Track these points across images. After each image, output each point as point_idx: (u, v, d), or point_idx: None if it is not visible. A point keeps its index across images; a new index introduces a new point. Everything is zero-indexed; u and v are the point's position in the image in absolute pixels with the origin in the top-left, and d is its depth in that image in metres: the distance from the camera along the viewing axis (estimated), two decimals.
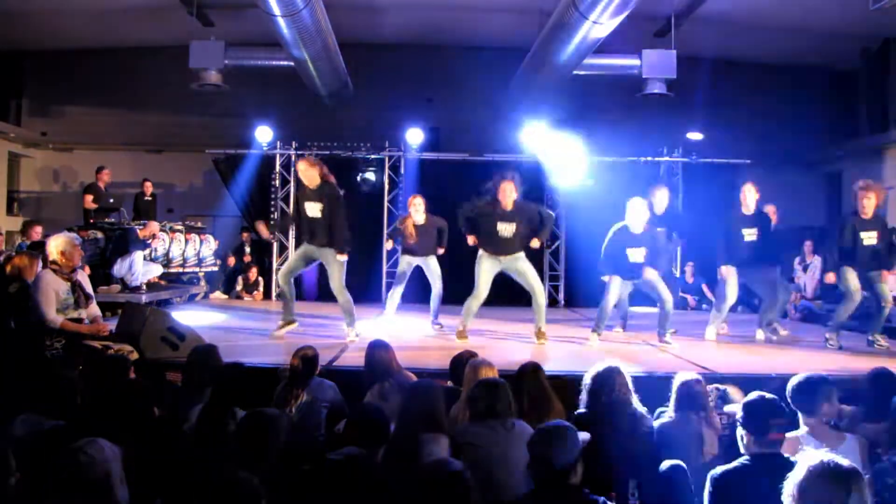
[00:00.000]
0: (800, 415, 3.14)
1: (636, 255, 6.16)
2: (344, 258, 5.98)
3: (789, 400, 3.16)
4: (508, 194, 6.21)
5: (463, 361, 3.82)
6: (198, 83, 9.93)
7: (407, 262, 7.35)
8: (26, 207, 12.41)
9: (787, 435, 2.95)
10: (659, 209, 6.85)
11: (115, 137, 12.18)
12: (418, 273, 7.49)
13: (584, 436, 2.88)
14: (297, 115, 11.23)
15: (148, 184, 10.73)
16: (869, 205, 6.11)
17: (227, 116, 11.35)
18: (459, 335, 6.27)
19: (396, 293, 7.52)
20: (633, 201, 6.20)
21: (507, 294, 7.34)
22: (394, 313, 7.53)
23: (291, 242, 10.93)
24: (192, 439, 3.17)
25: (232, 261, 11.16)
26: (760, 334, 6.69)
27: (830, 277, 6.35)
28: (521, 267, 6.30)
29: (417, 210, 7.26)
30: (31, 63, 12.38)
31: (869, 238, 6.12)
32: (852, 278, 6.13)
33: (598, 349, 6.00)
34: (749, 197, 6.45)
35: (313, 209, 5.93)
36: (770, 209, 7.05)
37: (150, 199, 10.72)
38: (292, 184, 10.92)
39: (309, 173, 5.98)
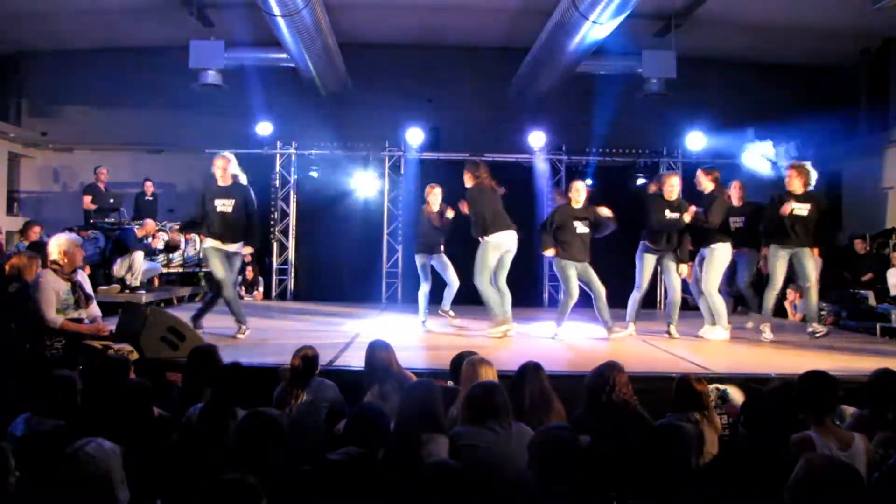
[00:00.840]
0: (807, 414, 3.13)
1: (581, 226, 6.55)
2: (250, 250, 6.55)
3: (796, 398, 3.15)
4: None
5: (463, 361, 3.82)
6: (198, 83, 9.93)
7: (422, 259, 7.32)
8: (26, 207, 12.40)
9: (795, 435, 2.95)
10: (669, 195, 6.71)
11: (115, 137, 12.18)
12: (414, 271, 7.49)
13: (583, 437, 2.88)
14: (297, 115, 11.23)
15: (148, 183, 10.74)
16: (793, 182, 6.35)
17: (227, 116, 11.35)
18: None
19: (424, 291, 7.41)
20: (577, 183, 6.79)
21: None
22: (425, 314, 7.38)
23: (291, 242, 10.95)
24: (192, 439, 3.17)
25: None
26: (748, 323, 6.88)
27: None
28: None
29: (437, 198, 7.33)
30: (31, 63, 12.39)
31: (800, 209, 6.24)
32: (781, 263, 6.32)
33: (599, 348, 6.00)
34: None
35: (223, 205, 6.08)
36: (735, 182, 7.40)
37: (150, 198, 10.72)
38: (292, 183, 10.93)
39: (225, 170, 6.17)
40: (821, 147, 12.38)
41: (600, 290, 6.53)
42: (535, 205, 10.75)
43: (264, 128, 10.58)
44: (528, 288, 10.06)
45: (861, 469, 2.73)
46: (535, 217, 10.78)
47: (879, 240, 10.58)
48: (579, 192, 6.62)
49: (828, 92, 12.62)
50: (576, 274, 6.53)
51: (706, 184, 6.77)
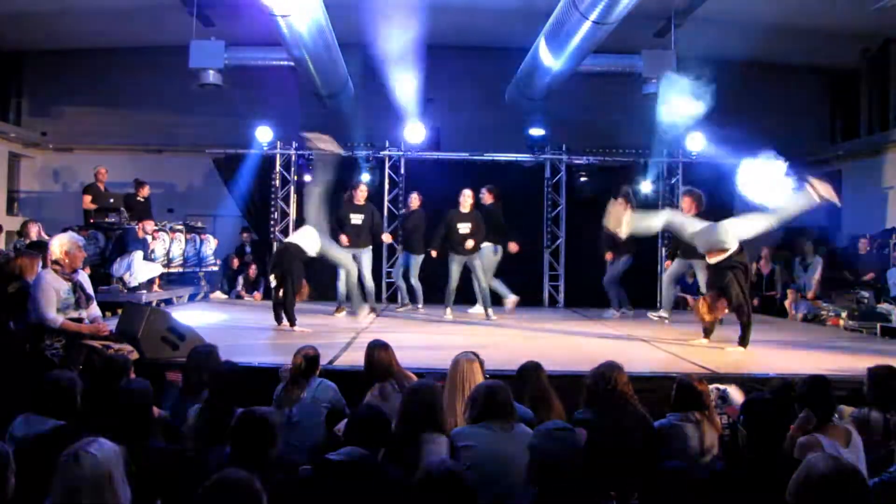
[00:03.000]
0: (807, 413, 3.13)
1: (464, 227, 7.99)
2: None
3: (798, 399, 3.16)
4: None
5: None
6: (198, 83, 9.93)
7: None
8: (26, 207, 12.40)
9: (801, 439, 2.95)
10: None
11: (115, 137, 12.18)
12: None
13: (583, 435, 2.88)
14: (297, 116, 11.22)
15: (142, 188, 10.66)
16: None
17: (227, 116, 11.34)
18: None
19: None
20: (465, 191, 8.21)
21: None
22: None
23: None
24: (192, 439, 3.17)
25: (236, 262, 11.14)
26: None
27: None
28: None
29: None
30: (31, 63, 12.39)
31: None
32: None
33: (599, 348, 6.00)
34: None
35: None
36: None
37: (142, 200, 10.64)
38: (292, 183, 10.93)
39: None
40: (821, 147, 12.40)
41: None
42: (533, 204, 10.76)
43: (264, 133, 10.57)
44: (529, 287, 10.04)
45: (861, 463, 2.75)
46: (536, 217, 10.81)
47: (879, 240, 10.57)
48: (465, 198, 8.14)
49: (828, 92, 12.62)
50: (457, 266, 8.02)
51: (488, 198, 8.63)
